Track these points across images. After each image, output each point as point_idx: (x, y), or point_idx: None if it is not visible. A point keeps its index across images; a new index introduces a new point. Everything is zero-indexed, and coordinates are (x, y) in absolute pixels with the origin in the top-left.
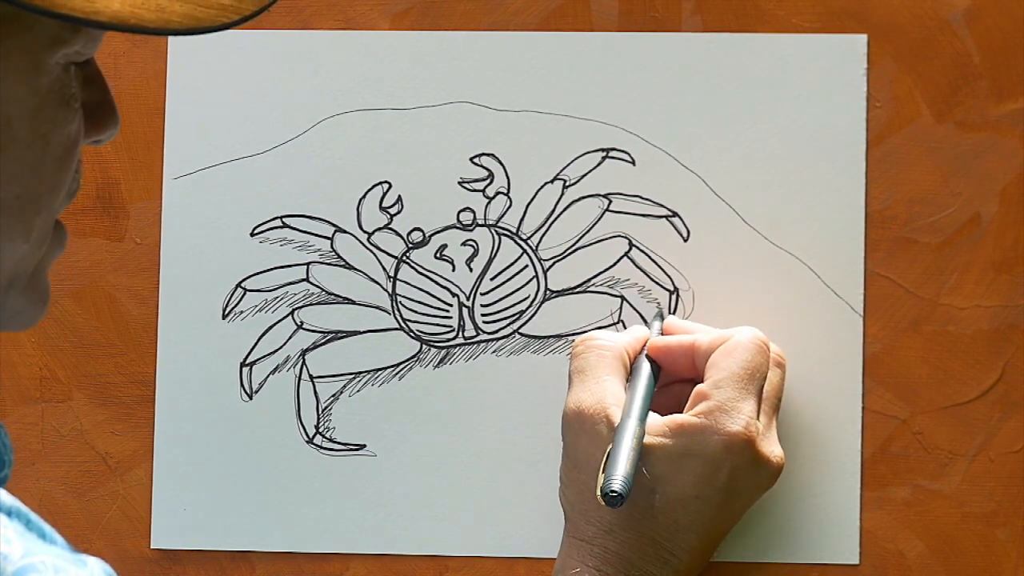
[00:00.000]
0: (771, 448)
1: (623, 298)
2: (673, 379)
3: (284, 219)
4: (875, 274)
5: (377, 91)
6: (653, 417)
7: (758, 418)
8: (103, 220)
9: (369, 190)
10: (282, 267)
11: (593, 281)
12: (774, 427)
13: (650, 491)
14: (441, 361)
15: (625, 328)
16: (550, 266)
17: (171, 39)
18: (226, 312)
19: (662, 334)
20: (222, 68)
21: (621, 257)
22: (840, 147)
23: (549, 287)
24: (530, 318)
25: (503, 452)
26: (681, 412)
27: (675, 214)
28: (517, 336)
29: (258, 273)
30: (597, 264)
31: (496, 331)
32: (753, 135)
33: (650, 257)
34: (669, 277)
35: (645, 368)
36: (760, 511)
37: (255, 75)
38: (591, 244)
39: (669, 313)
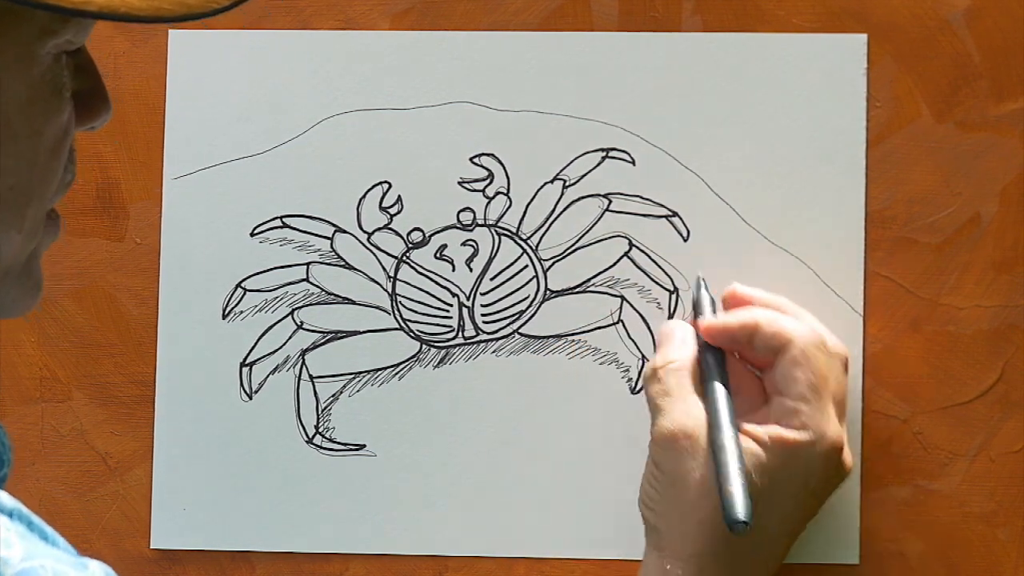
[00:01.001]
0: (847, 452)
1: (623, 298)
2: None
3: (284, 219)
4: (875, 274)
5: (377, 91)
6: (748, 428)
7: (841, 424)
8: (103, 220)
9: (369, 190)
10: (282, 267)
11: (593, 281)
12: (845, 428)
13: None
14: (441, 361)
15: (626, 328)
16: (550, 266)
17: (171, 37)
18: (226, 312)
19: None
20: (222, 68)
21: (621, 257)
22: (840, 147)
23: (549, 287)
24: (530, 318)
25: (503, 452)
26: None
27: (675, 214)
28: (517, 336)
29: (258, 273)
30: (597, 264)
31: (496, 331)
32: (753, 135)
33: (650, 257)
34: (669, 277)
35: (720, 388)
36: None
37: (255, 75)
38: (591, 244)
39: (669, 315)
